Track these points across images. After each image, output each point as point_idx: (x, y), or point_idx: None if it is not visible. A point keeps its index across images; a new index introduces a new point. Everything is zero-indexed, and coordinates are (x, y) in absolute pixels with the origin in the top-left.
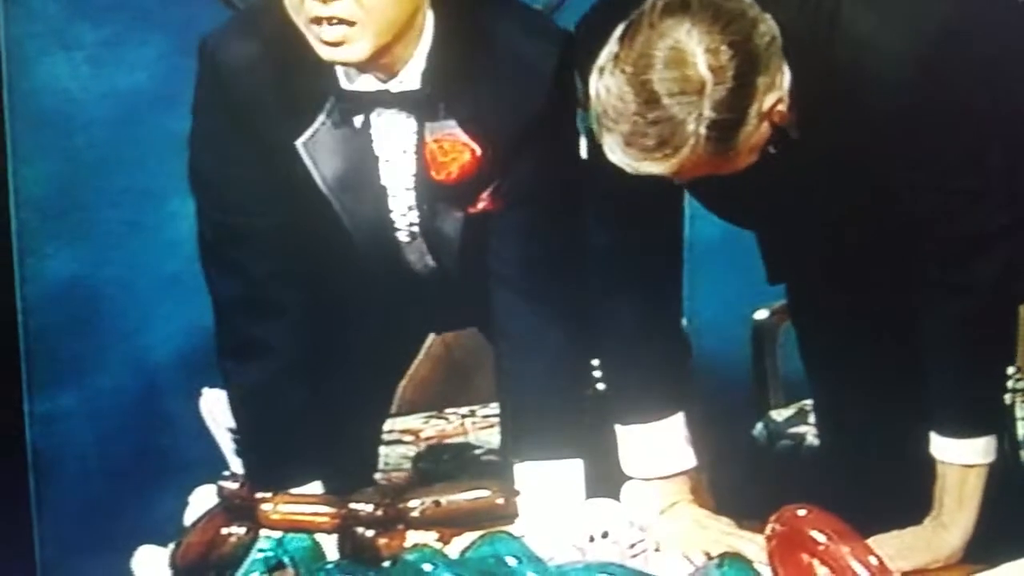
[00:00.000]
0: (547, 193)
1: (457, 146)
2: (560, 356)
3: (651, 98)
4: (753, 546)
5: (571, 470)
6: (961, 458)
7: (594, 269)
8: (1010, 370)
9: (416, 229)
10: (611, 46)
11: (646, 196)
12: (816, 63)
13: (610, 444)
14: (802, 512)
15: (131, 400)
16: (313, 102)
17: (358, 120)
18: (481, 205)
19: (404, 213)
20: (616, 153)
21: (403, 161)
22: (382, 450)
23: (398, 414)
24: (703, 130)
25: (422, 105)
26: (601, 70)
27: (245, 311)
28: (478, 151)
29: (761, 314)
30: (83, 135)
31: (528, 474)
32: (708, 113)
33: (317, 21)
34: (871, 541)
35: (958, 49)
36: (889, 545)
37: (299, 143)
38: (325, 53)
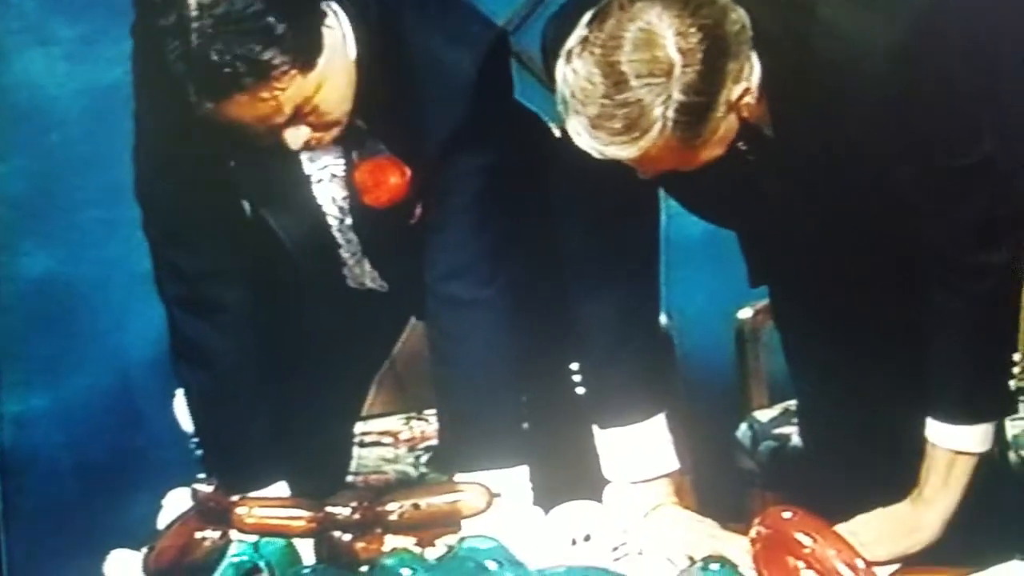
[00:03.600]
0: (478, 199)
1: (386, 169)
2: (490, 364)
3: (619, 80)
4: (738, 549)
5: (516, 478)
6: (954, 444)
7: (569, 271)
8: (1016, 356)
9: (358, 248)
10: (580, 30)
11: (622, 195)
12: (791, 58)
13: (553, 449)
14: (787, 514)
15: (105, 401)
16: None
17: None
18: (418, 212)
19: (343, 231)
20: (582, 136)
21: (334, 185)
22: (360, 452)
23: (376, 415)
24: (671, 113)
25: (350, 138)
26: (569, 54)
27: (184, 310)
28: (407, 171)
29: (745, 313)
30: (59, 132)
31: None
32: (676, 96)
33: None
34: (850, 524)
35: (940, 35)
36: (868, 531)
37: (232, 164)
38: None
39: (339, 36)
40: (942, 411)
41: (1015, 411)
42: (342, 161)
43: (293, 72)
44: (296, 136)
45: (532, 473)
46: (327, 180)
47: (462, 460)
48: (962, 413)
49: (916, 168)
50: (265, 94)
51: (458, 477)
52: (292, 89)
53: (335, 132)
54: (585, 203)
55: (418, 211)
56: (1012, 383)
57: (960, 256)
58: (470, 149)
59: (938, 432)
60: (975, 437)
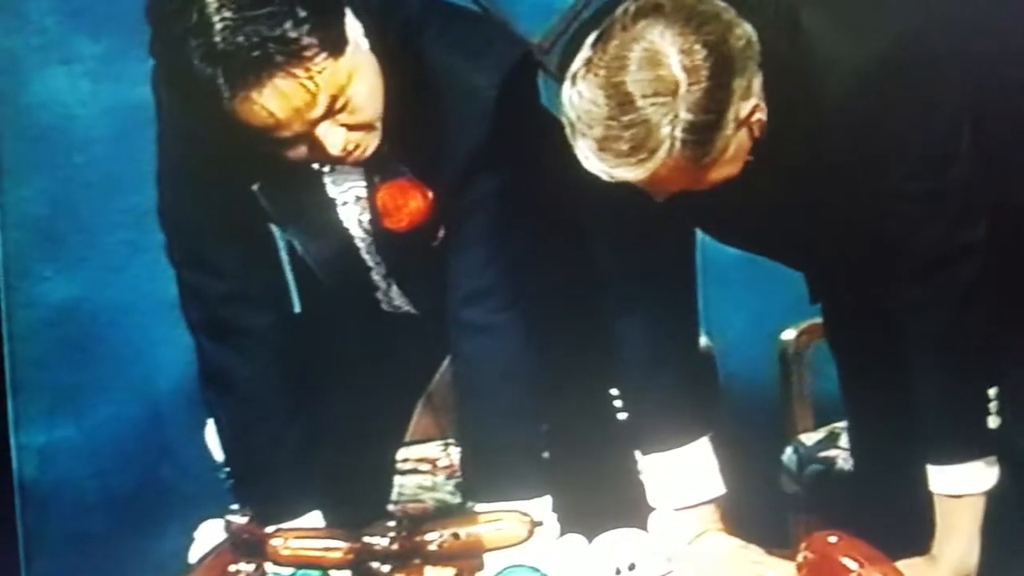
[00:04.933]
0: (498, 221)
1: (407, 192)
2: (508, 392)
3: (625, 100)
4: (783, 575)
5: (539, 508)
6: (947, 488)
7: (604, 294)
8: (992, 392)
9: (385, 271)
10: (584, 52)
11: (655, 213)
12: (787, 73)
13: (593, 476)
14: (832, 539)
15: (132, 430)
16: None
17: (316, 164)
18: (441, 235)
19: (372, 253)
20: (590, 159)
21: (358, 207)
22: (397, 480)
23: (413, 442)
24: (679, 133)
25: (372, 161)
26: (574, 77)
27: (209, 336)
28: (429, 194)
29: (788, 334)
30: (82, 152)
31: None
32: (684, 115)
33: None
34: None
35: (917, 54)
36: None
37: (255, 188)
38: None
39: (361, 34)
40: (928, 452)
41: (998, 450)
42: (364, 183)
43: (324, 55)
44: (332, 135)
45: (571, 502)
46: (352, 202)
47: (481, 490)
48: (940, 452)
49: (883, 187)
50: (300, 72)
51: (479, 508)
52: (326, 74)
53: (372, 143)
54: (618, 222)
55: (441, 234)
56: (991, 420)
57: (919, 286)
58: (491, 171)
59: (933, 478)
60: (966, 478)
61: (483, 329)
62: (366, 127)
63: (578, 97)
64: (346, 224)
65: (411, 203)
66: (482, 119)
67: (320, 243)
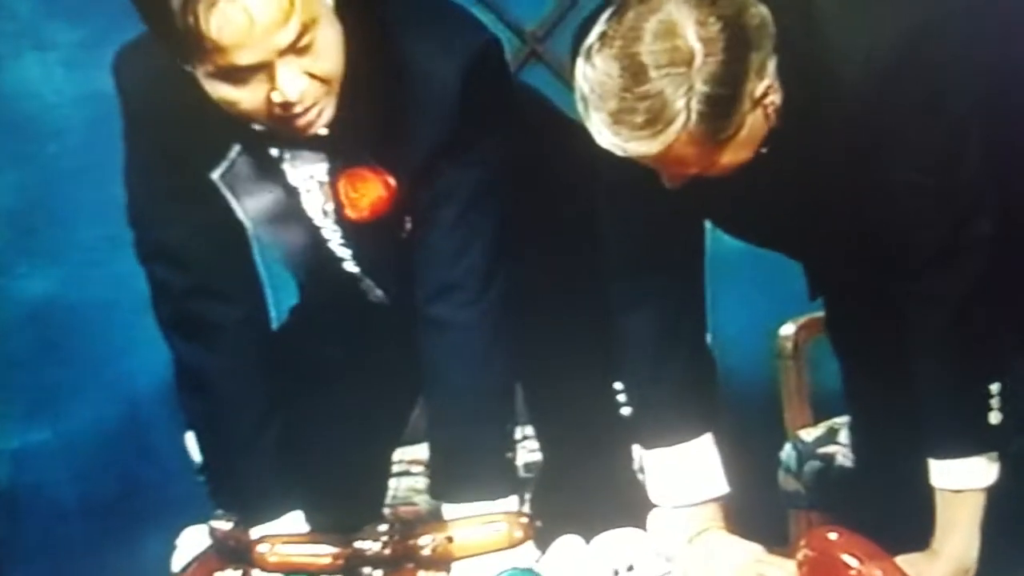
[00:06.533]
0: (466, 213)
1: (368, 181)
2: (474, 392)
3: (639, 71)
4: (784, 573)
5: (504, 509)
6: (946, 482)
7: (611, 285)
8: (994, 387)
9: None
10: (599, 27)
11: (666, 206)
12: (800, 59)
13: (574, 480)
14: (833, 535)
15: (112, 432)
16: (225, 131)
17: (275, 150)
18: (409, 226)
19: (341, 243)
20: (603, 134)
21: (322, 195)
22: (389, 482)
23: (406, 443)
24: (694, 105)
25: (333, 144)
26: (588, 50)
27: (179, 333)
28: (392, 183)
29: (787, 329)
30: (57, 142)
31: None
32: (699, 87)
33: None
34: None
35: (930, 47)
36: None
37: (215, 176)
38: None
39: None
40: (930, 447)
41: (1000, 446)
42: (326, 166)
43: None
44: (293, 77)
45: (568, 502)
46: (316, 190)
47: (446, 490)
48: (942, 446)
49: (892, 180)
50: None
51: (445, 508)
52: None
53: (328, 108)
54: (627, 216)
55: (409, 225)
56: (993, 415)
57: (925, 279)
58: (457, 160)
59: (934, 473)
60: (968, 474)
61: (450, 325)
62: (326, 82)
63: (592, 70)
64: (311, 214)
65: (372, 192)
66: (446, 108)
67: (288, 233)
